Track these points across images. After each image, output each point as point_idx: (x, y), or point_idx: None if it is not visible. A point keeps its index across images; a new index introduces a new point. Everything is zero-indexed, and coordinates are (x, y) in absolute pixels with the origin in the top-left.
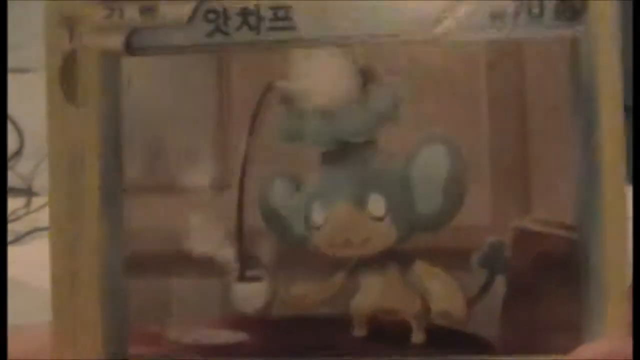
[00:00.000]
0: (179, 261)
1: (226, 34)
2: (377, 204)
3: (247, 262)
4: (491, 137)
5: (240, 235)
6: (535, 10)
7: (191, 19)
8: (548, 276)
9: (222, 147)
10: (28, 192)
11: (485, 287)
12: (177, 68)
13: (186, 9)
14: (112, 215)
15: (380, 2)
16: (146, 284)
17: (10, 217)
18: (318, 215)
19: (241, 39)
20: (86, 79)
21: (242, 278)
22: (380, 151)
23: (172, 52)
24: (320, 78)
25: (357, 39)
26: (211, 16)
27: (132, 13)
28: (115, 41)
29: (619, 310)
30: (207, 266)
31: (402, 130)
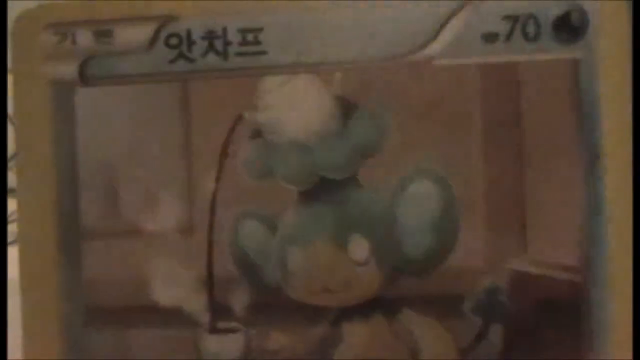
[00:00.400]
0: (144, 312)
1: (190, 60)
2: (359, 246)
3: (218, 312)
4: (485, 170)
5: (210, 283)
6: (531, 30)
7: (151, 44)
8: (549, 324)
9: (188, 186)
10: None
11: (480, 337)
12: (136, 99)
13: (146, 33)
14: (71, 264)
15: (360, 24)
16: (108, 337)
17: (10, 217)
18: (294, 260)
19: (207, 66)
20: (36, 111)
21: (213, 330)
22: (362, 188)
23: (130, 82)
24: (294, 108)
25: (335, 64)
26: (173, 41)
27: (85, 39)
28: (68, 70)
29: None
30: (174, 317)
31: (386, 165)
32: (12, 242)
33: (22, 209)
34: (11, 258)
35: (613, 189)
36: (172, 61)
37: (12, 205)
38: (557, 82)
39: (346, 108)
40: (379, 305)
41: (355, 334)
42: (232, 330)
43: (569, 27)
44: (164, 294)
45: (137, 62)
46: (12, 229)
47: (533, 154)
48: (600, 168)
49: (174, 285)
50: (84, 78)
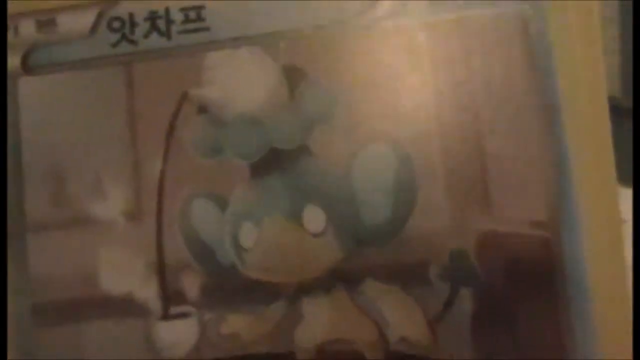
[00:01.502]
0: (95, 304)
1: (133, 42)
2: (315, 218)
3: (171, 298)
4: (441, 132)
5: (161, 269)
6: None
7: (94, 29)
8: (521, 284)
9: (135, 170)
10: None
11: (449, 304)
12: (80, 85)
13: (88, 19)
14: (16, 258)
15: None
16: (59, 334)
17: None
18: (248, 237)
19: (150, 47)
20: None
21: (166, 316)
22: (315, 157)
23: (74, 68)
24: (241, 82)
25: (280, 35)
26: (116, 24)
27: (28, 29)
28: (11, 61)
29: (608, 318)
30: (126, 307)
31: (339, 133)
32: None
33: None
34: None
35: (574, 140)
36: (114, 45)
37: None
38: (507, 36)
39: (294, 77)
40: (339, 278)
41: (316, 310)
42: (185, 316)
43: None
44: (114, 283)
45: (80, 49)
46: None
47: (489, 110)
48: (560, 120)
49: (124, 273)
50: (27, 68)
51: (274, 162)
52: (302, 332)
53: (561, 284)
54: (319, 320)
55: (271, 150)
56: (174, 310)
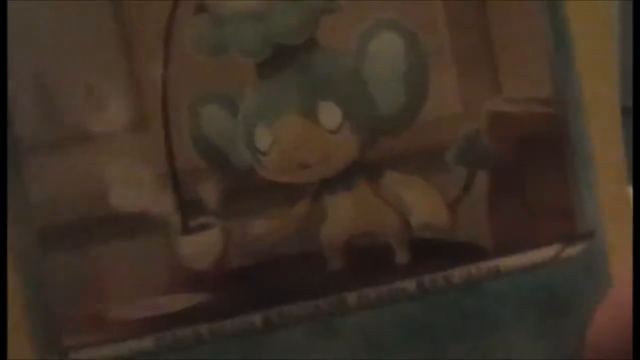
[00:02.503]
0: (106, 224)
1: None
2: (330, 113)
3: (189, 209)
4: (448, 15)
5: (174, 179)
6: None
7: None
8: (532, 160)
9: (133, 77)
10: None
11: (467, 186)
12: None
13: None
14: (11, 183)
15: None
16: (70, 257)
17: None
18: (263, 139)
19: None
20: None
21: (186, 230)
22: (323, 50)
23: None
24: None
25: None
26: None
27: None
28: None
29: (612, 185)
30: (141, 223)
31: (345, 22)
32: None
33: None
34: None
35: (574, 17)
36: None
37: None
38: None
39: None
40: (360, 172)
41: (340, 206)
42: (207, 227)
43: None
44: (125, 199)
45: None
46: None
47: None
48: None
49: (134, 188)
50: None
51: (281, 59)
52: (327, 230)
53: (570, 154)
54: (343, 216)
55: (278, 46)
56: (194, 222)
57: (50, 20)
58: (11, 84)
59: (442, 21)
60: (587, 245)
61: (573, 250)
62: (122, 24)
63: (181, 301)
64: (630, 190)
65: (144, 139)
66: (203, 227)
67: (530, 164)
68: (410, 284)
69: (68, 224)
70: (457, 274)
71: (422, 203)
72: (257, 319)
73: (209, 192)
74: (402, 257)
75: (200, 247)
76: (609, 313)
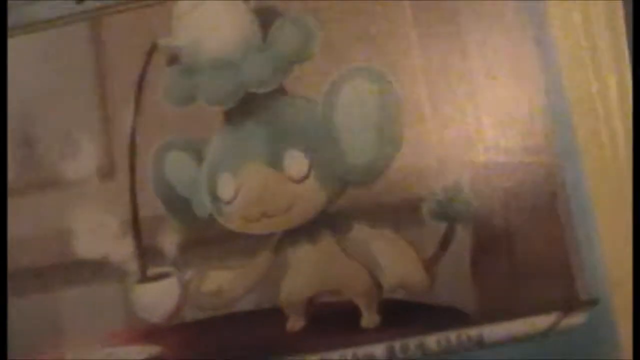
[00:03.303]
0: (68, 268)
1: None
2: (296, 162)
3: (148, 257)
4: (425, 61)
5: (136, 226)
6: None
7: None
8: (522, 215)
9: (106, 125)
10: None
11: (445, 243)
12: (46, 44)
13: None
14: None
15: None
16: (30, 301)
17: None
18: (226, 186)
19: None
20: None
21: (144, 278)
22: (292, 98)
23: (39, 29)
24: (211, 27)
25: None
26: None
27: None
28: None
29: (617, 241)
30: (101, 270)
31: (315, 70)
32: None
33: None
34: None
35: (566, 61)
36: (79, 1)
37: None
38: None
39: (266, 17)
40: (326, 224)
41: (303, 260)
42: (164, 276)
43: None
44: (89, 246)
45: (45, 8)
46: None
47: (474, 32)
48: (552, 40)
49: (98, 235)
50: None
51: (249, 106)
52: (288, 285)
53: (565, 209)
54: (306, 271)
55: (246, 94)
56: (151, 271)
57: (33, 73)
58: None
59: (420, 67)
60: (590, 313)
61: (574, 319)
62: (100, 72)
63: (134, 353)
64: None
65: (110, 186)
66: (160, 276)
67: (520, 219)
68: (378, 350)
69: (34, 266)
70: (434, 341)
71: (394, 260)
72: None
73: (169, 240)
74: (370, 319)
75: (156, 296)
76: None
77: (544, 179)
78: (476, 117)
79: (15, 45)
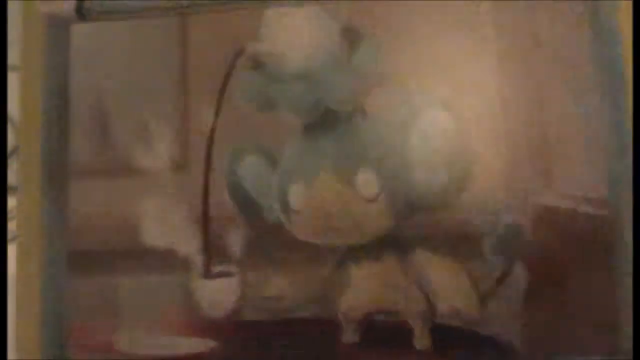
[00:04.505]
0: (133, 255)
1: None
2: (368, 182)
3: (214, 254)
4: (503, 97)
5: (205, 223)
6: None
7: None
8: (578, 261)
9: (185, 120)
10: None
11: (502, 278)
12: (134, 34)
13: None
14: (55, 202)
15: None
16: (93, 282)
17: (9, 214)
18: (297, 197)
19: None
20: (30, 46)
21: (208, 274)
22: (370, 119)
23: (128, 17)
24: (299, 40)
25: None
26: None
27: None
28: (66, 6)
29: None
30: (166, 260)
31: (395, 94)
32: (11, 240)
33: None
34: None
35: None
36: None
37: (10, 203)
38: (576, 17)
39: (353, 39)
40: (390, 245)
41: (364, 277)
42: (228, 275)
43: None
44: (155, 235)
45: None
46: (10, 227)
47: (554, 79)
48: (623, 95)
49: (166, 226)
50: (81, 14)
51: (328, 122)
52: (348, 299)
53: (619, 261)
54: (366, 288)
55: (326, 110)
56: (216, 268)
57: (117, 59)
58: (72, 109)
59: (498, 106)
60: None
61: None
62: (185, 69)
63: (189, 345)
64: None
65: (183, 181)
66: (224, 274)
67: (575, 265)
68: None
69: (98, 250)
70: None
71: (451, 288)
72: None
73: (236, 240)
74: (422, 341)
75: (217, 293)
76: None
77: (603, 231)
78: (547, 163)
79: (101, 30)
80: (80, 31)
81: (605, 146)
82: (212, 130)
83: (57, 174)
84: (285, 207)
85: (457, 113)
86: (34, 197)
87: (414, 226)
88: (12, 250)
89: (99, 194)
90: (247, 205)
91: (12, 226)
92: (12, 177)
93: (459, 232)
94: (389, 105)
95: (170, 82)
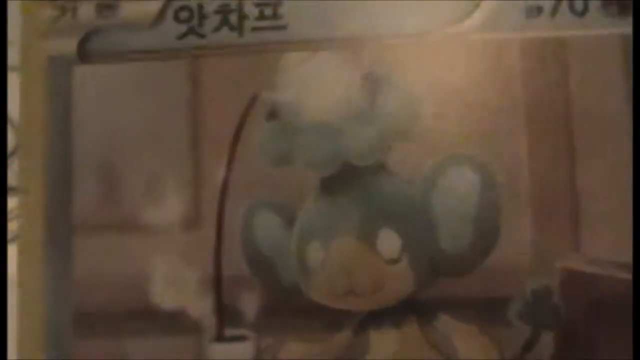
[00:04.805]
0: (142, 317)
1: (201, 35)
2: (389, 242)
3: (226, 316)
4: (530, 156)
5: (218, 284)
6: (579, 6)
7: (159, 18)
8: (605, 328)
9: (195, 173)
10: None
11: (529, 346)
12: (140, 77)
13: (153, 6)
14: (59, 259)
15: None
16: (99, 344)
17: (9, 215)
18: (315, 257)
19: (220, 42)
20: (30, 89)
21: (220, 338)
22: (392, 176)
23: (134, 58)
24: (317, 88)
25: (362, 41)
26: (183, 15)
27: (87, 13)
28: (67, 45)
29: None
30: (176, 323)
31: (419, 150)
32: (10, 241)
33: (20, 202)
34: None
35: None
36: (181, 37)
37: (10, 204)
38: (607, 59)
39: (374, 88)
40: (411, 310)
41: (385, 342)
42: (241, 339)
43: (619, 1)
44: (165, 296)
45: (143, 38)
46: (10, 228)
47: (583, 139)
48: None
49: (177, 286)
50: (84, 54)
51: (347, 177)
52: None
53: None
54: (387, 355)
55: (345, 164)
56: (229, 331)
57: (123, 104)
58: (76, 158)
59: (524, 163)
60: None
61: None
62: (195, 118)
63: None
64: None
65: (194, 237)
66: (237, 338)
67: (604, 332)
68: None
69: (105, 310)
70: None
71: (475, 355)
72: None
73: (250, 302)
74: None
75: (231, 358)
76: None
77: (630, 295)
78: (575, 226)
79: (105, 71)
80: (83, 73)
81: (630, 208)
82: (225, 184)
83: (60, 228)
84: (303, 268)
85: (483, 171)
86: (35, 253)
87: (437, 290)
88: (12, 313)
89: (105, 251)
90: (262, 266)
91: (12, 272)
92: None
93: (484, 297)
94: (412, 161)
95: (181, 130)
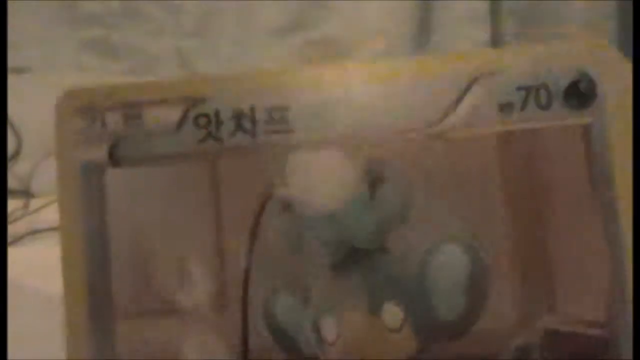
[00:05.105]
0: None
1: (219, 139)
2: (393, 314)
3: None
4: (510, 232)
5: (245, 356)
6: (543, 99)
7: (180, 125)
8: None
9: (220, 262)
10: (26, 194)
11: None
12: (166, 178)
13: (174, 115)
14: (103, 346)
15: (386, 97)
16: None
17: (8, 218)
18: (329, 330)
19: (235, 145)
20: (69, 193)
21: None
22: (392, 256)
23: (160, 162)
24: (323, 182)
25: (361, 139)
26: (202, 121)
27: (115, 121)
28: (98, 152)
29: None
30: None
31: (414, 233)
32: (11, 243)
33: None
34: (10, 259)
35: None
36: (201, 141)
37: (10, 206)
38: (571, 146)
39: (373, 180)
40: None
41: None
42: None
43: (579, 94)
44: None
45: (166, 143)
46: (10, 229)
47: (555, 215)
48: (619, 223)
49: None
50: (114, 160)
51: (353, 259)
52: None
53: None
54: None
55: (351, 248)
56: None
57: (152, 203)
58: (114, 256)
59: (505, 239)
60: None
61: None
62: (218, 214)
63: None
64: None
65: (222, 317)
66: None
67: None
68: None
69: None
70: None
71: None
72: None
73: None
74: None
75: None
76: None
77: (603, 351)
78: (550, 288)
79: (135, 174)
80: (114, 176)
81: (603, 270)
82: (247, 271)
83: (102, 317)
84: (319, 340)
85: (470, 248)
86: (81, 339)
87: (434, 352)
88: None
89: (143, 335)
90: (285, 341)
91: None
92: None
93: (476, 355)
94: (408, 243)
95: (205, 224)
